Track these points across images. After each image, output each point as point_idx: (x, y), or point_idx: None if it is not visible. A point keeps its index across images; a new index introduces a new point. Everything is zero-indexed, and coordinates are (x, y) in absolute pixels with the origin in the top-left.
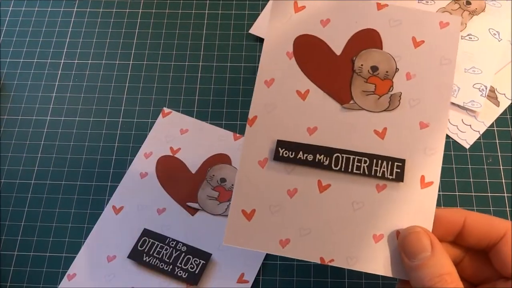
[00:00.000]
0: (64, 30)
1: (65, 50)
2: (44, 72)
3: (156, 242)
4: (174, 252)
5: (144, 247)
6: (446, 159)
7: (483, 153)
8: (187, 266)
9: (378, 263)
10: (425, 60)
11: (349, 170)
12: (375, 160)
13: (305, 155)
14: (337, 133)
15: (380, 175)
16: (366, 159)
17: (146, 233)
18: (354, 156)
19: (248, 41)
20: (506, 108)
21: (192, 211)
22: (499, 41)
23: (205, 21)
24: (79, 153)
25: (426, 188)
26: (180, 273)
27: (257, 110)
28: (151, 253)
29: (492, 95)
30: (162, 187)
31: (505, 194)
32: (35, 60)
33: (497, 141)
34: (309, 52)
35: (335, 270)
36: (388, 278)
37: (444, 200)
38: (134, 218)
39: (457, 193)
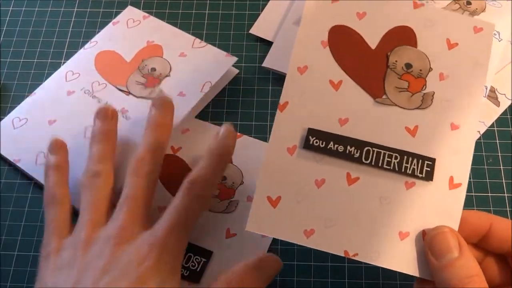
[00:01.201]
0: (64, 30)
1: (65, 50)
2: (44, 72)
3: None
4: None
5: None
6: None
7: (483, 153)
8: (188, 264)
9: (402, 260)
10: (459, 62)
11: (379, 164)
12: (405, 157)
13: (336, 145)
14: (368, 127)
15: (410, 172)
16: (396, 155)
17: None
18: (385, 151)
19: (248, 41)
20: (506, 108)
21: None
22: (499, 41)
23: (205, 21)
24: None
25: (454, 189)
26: (181, 271)
27: (288, 96)
28: None
29: (492, 95)
30: (163, 185)
31: (505, 194)
32: (35, 60)
33: (497, 141)
34: (344, 43)
35: (336, 270)
36: (389, 279)
37: None
38: None
39: None
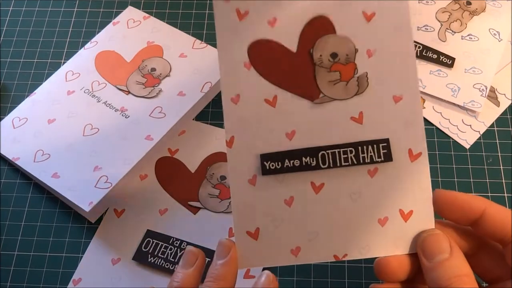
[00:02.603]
0: (64, 30)
1: (65, 50)
2: (44, 72)
3: (160, 243)
4: (178, 252)
5: (148, 248)
6: (446, 159)
7: (483, 153)
8: None
9: (389, 244)
10: (381, 32)
11: (338, 164)
12: (360, 148)
13: (291, 161)
14: (316, 131)
15: (368, 160)
16: (351, 149)
17: (150, 234)
18: (339, 150)
19: None
20: (506, 108)
21: (194, 210)
22: (499, 41)
23: (205, 21)
24: None
25: (416, 160)
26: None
27: (232, 130)
28: (155, 253)
29: (492, 95)
30: (162, 187)
31: (505, 194)
32: (35, 60)
33: (497, 141)
34: (265, 57)
35: (335, 269)
36: None
37: None
38: (136, 220)
39: None
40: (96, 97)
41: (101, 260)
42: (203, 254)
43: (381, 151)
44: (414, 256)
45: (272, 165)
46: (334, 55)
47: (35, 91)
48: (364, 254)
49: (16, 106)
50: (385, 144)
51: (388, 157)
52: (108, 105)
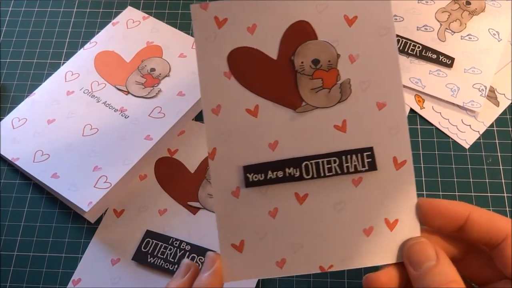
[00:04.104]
0: (63, 30)
1: (64, 50)
2: (44, 73)
3: (160, 243)
4: (178, 252)
5: (148, 248)
6: (446, 159)
7: (483, 153)
8: None
9: (376, 254)
10: (364, 36)
11: (322, 174)
12: (343, 157)
13: (275, 172)
14: (298, 141)
15: (353, 170)
16: (335, 158)
17: (149, 234)
18: (322, 159)
19: None
20: (505, 108)
21: (194, 210)
22: (499, 41)
23: None
24: None
25: (401, 168)
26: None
27: (214, 141)
28: (155, 254)
29: (492, 95)
30: (162, 188)
31: (505, 194)
32: (35, 60)
33: (497, 141)
34: (246, 65)
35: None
36: None
37: None
38: (135, 220)
39: (457, 193)
40: (96, 97)
41: (101, 261)
42: (197, 266)
43: (365, 160)
44: (402, 267)
45: (255, 177)
46: (316, 61)
47: (34, 92)
48: (349, 265)
49: (16, 107)
50: (369, 152)
51: (372, 166)
52: (107, 105)
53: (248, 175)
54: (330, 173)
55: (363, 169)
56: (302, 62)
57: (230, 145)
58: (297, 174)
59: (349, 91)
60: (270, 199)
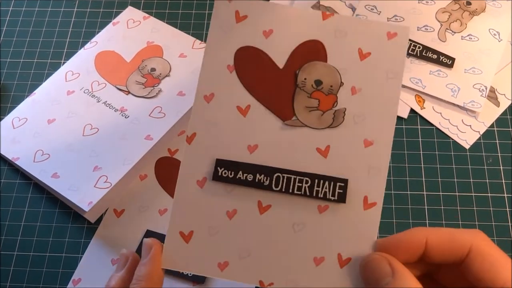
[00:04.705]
0: (64, 30)
1: (65, 50)
2: (44, 72)
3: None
4: None
5: None
6: (446, 159)
7: (483, 154)
8: None
9: (319, 284)
10: (371, 74)
11: (290, 191)
12: (316, 180)
13: (245, 175)
14: (278, 151)
15: (321, 196)
16: (307, 179)
17: (149, 234)
18: (295, 176)
19: None
20: (506, 109)
21: None
22: (499, 41)
23: (205, 21)
24: None
25: (369, 209)
26: (185, 272)
27: (196, 127)
28: None
29: (492, 96)
30: (162, 188)
31: (505, 194)
32: (35, 60)
33: (497, 141)
34: (250, 65)
35: None
36: None
37: (444, 201)
38: (136, 220)
39: (457, 193)
40: (96, 97)
41: (101, 260)
42: (135, 255)
43: (337, 190)
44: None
45: (225, 173)
46: (318, 82)
47: (34, 91)
48: (293, 286)
49: (16, 106)
50: (342, 184)
51: (341, 198)
52: (108, 105)
53: (218, 168)
54: (299, 192)
55: (332, 198)
56: (305, 79)
57: (210, 135)
58: (267, 182)
59: (341, 119)
60: (232, 200)
